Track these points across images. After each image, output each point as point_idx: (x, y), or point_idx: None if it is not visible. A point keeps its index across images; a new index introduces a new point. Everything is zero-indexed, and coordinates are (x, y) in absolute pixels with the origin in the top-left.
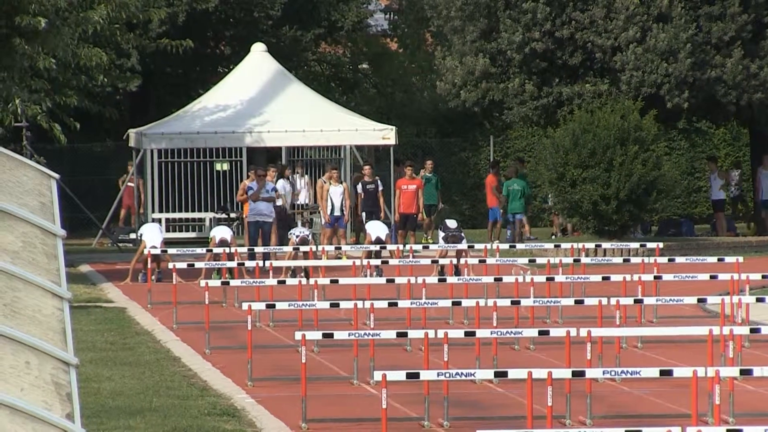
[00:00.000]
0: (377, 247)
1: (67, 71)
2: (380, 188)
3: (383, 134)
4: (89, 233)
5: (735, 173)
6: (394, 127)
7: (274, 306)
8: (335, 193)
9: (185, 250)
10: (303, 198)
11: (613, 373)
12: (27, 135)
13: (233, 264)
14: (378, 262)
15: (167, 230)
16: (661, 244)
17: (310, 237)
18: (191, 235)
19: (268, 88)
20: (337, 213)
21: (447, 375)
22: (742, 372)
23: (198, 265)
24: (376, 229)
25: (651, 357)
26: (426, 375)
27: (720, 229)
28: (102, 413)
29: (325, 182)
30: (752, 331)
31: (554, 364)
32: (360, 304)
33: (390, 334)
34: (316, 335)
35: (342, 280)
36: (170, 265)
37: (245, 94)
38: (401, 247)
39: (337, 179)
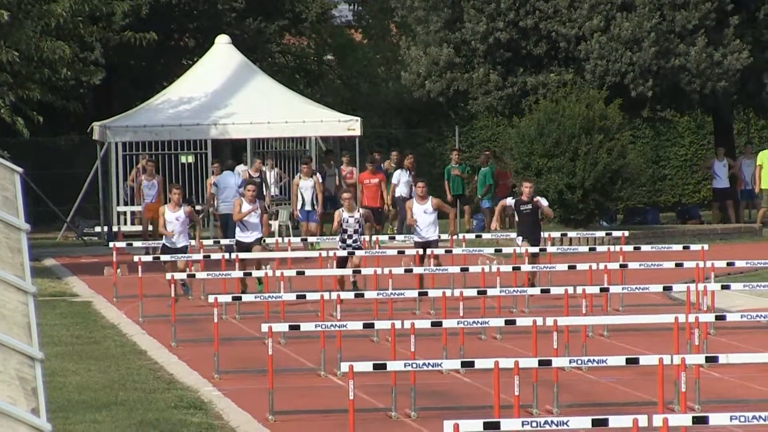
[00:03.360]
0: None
1: (30, 64)
2: (319, 180)
3: (348, 125)
4: (54, 227)
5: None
6: (359, 119)
7: (240, 298)
8: (305, 188)
9: (151, 243)
10: (272, 190)
11: (579, 361)
12: None
13: (199, 256)
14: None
15: (132, 223)
16: (626, 233)
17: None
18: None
19: (232, 80)
20: (307, 207)
21: (414, 365)
22: (708, 359)
23: (163, 258)
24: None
25: (617, 345)
26: (393, 366)
27: (732, 216)
28: (68, 407)
29: (299, 178)
30: (717, 318)
31: (521, 353)
32: (326, 295)
33: (357, 326)
34: (282, 327)
35: (308, 272)
36: (135, 258)
37: (210, 87)
38: (367, 238)
39: (307, 173)
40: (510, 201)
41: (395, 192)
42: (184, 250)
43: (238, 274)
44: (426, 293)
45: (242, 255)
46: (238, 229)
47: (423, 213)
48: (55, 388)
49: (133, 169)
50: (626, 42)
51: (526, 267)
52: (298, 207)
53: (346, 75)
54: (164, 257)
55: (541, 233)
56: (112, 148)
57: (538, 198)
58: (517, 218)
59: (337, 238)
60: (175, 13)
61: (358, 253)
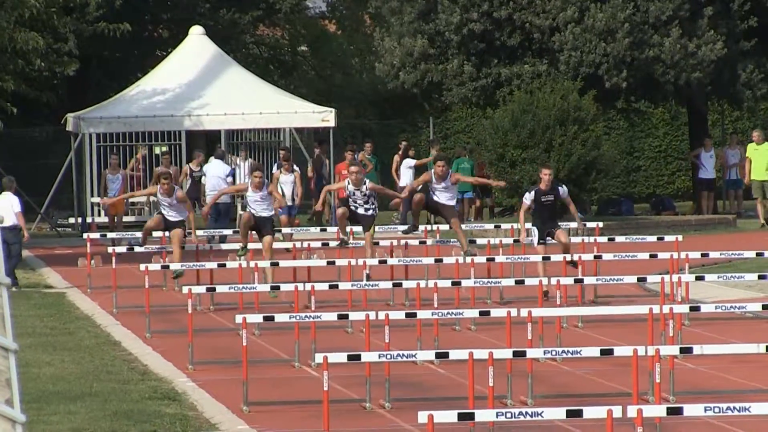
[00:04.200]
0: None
1: (4, 55)
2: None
3: (322, 116)
4: (28, 218)
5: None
6: (333, 110)
7: (214, 289)
8: (286, 182)
9: (125, 234)
10: (246, 181)
11: (554, 352)
12: None
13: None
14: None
15: (105, 214)
16: (600, 224)
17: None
18: (131, 219)
19: (206, 71)
20: (288, 202)
21: (388, 356)
22: (682, 350)
23: (138, 249)
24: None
25: (592, 336)
26: (367, 357)
27: (706, 208)
28: (42, 399)
29: (280, 172)
30: (692, 309)
31: (495, 344)
32: (301, 286)
33: (331, 317)
34: (257, 318)
35: (282, 263)
36: (109, 249)
37: (183, 78)
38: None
39: (288, 168)
40: (529, 197)
41: (400, 181)
42: (181, 223)
43: (212, 265)
44: (400, 284)
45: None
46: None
47: (443, 189)
48: (29, 379)
49: (132, 159)
50: (600, 33)
51: (540, 267)
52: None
53: (320, 66)
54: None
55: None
56: (86, 139)
57: (560, 188)
58: (535, 208)
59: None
60: (149, 4)
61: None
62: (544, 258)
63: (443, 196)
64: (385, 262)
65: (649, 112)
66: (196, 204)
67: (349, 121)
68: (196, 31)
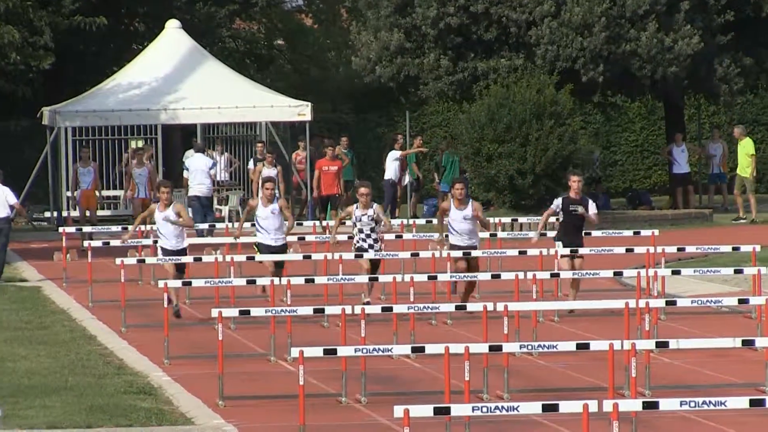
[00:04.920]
0: None
1: None
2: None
3: (299, 110)
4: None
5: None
6: (309, 104)
7: (190, 283)
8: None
9: (101, 228)
10: (222, 176)
11: (530, 347)
12: None
13: (149, 241)
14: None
15: (77, 208)
16: None
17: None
18: (107, 213)
19: (182, 65)
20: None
21: (364, 351)
22: (658, 344)
23: (113, 243)
24: None
25: (568, 330)
26: (343, 351)
27: (679, 203)
28: (18, 393)
29: (263, 166)
30: (668, 303)
31: (471, 338)
32: (277, 280)
33: (307, 311)
34: (232, 312)
35: (258, 257)
36: (85, 243)
37: (160, 71)
38: (317, 223)
39: (271, 163)
40: (557, 203)
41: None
42: (184, 252)
43: (188, 259)
44: (376, 278)
45: (266, 258)
46: (259, 234)
47: (462, 220)
48: (4, 373)
49: (125, 155)
50: (577, 27)
51: (566, 274)
52: (259, 196)
53: (297, 60)
54: (161, 259)
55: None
56: (61, 133)
57: (589, 199)
58: (561, 218)
59: (354, 237)
60: None
61: (377, 254)
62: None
63: (468, 233)
64: (360, 256)
65: (625, 107)
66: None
67: (325, 115)
68: (173, 25)
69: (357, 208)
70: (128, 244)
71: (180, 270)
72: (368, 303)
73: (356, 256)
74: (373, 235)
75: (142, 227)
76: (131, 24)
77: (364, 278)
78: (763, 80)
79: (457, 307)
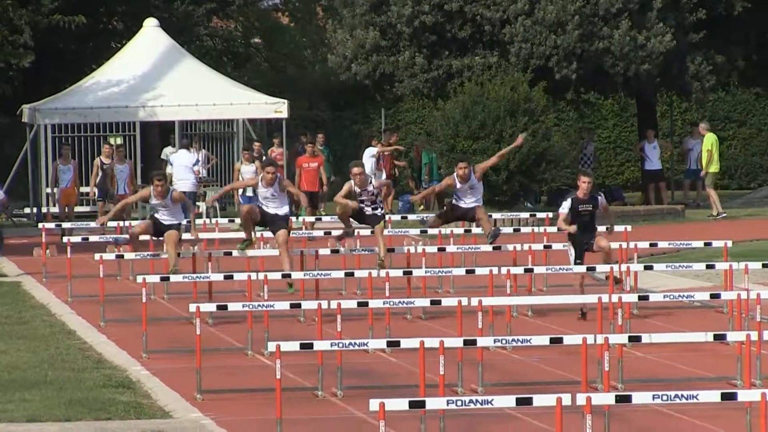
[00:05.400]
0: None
1: None
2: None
3: (275, 108)
4: None
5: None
6: (286, 101)
7: (168, 278)
8: (247, 173)
9: (79, 224)
10: (201, 172)
11: (504, 341)
12: None
13: (125, 237)
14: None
15: (56, 205)
16: (550, 214)
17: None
18: (86, 209)
19: (160, 62)
20: (249, 193)
21: (340, 345)
22: (631, 339)
23: (92, 238)
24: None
25: (541, 325)
26: (320, 345)
27: (651, 199)
28: None
29: (241, 164)
30: (641, 298)
31: (446, 333)
32: (254, 275)
33: (284, 306)
34: (210, 307)
35: (235, 252)
36: (64, 239)
37: (138, 69)
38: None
39: (249, 159)
40: (566, 206)
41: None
42: (177, 226)
43: (166, 255)
44: (352, 274)
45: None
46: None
47: (468, 188)
48: None
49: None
50: (550, 25)
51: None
52: (240, 192)
53: (273, 58)
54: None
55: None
56: (41, 130)
57: (599, 197)
58: (572, 220)
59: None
60: None
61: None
62: (584, 274)
63: (470, 200)
64: (337, 251)
65: (598, 104)
66: (106, 195)
67: (302, 112)
68: (151, 24)
69: (354, 186)
70: (107, 239)
71: (160, 231)
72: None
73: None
74: (373, 206)
75: (121, 223)
76: (110, 22)
77: (339, 273)
78: (735, 78)
79: (432, 302)
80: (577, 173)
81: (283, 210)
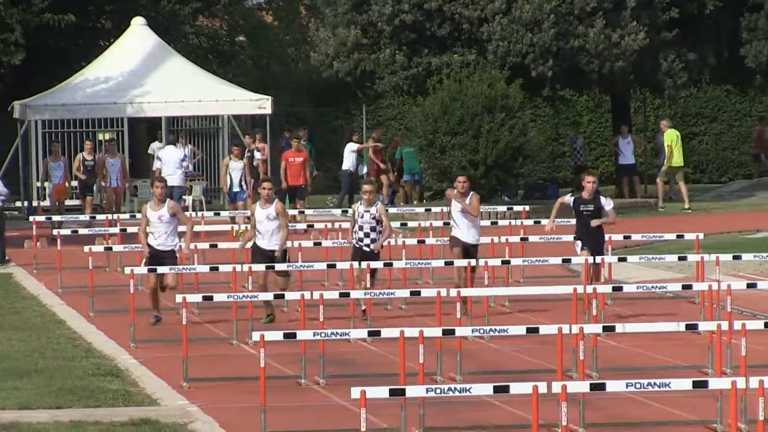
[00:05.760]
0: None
1: None
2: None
3: (259, 104)
4: None
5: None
6: (270, 97)
7: (155, 270)
8: (234, 169)
9: (69, 217)
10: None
11: (482, 331)
12: None
13: (116, 230)
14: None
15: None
16: (527, 207)
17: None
18: (76, 202)
19: (148, 60)
20: (236, 188)
21: (323, 335)
22: (605, 329)
23: (82, 231)
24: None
25: (518, 315)
26: (302, 335)
27: (625, 193)
28: None
29: (230, 159)
30: (615, 289)
31: (425, 323)
32: (238, 267)
33: (268, 296)
34: (196, 298)
35: (221, 245)
36: (54, 231)
37: (126, 67)
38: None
39: (237, 155)
40: (568, 199)
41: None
42: (172, 255)
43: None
44: (334, 265)
45: (259, 268)
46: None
47: (463, 212)
48: None
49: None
50: (527, 24)
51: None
52: (228, 187)
53: (258, 55)
54: (144, 269)
55: (605, 238)
56: (32, 126)
57: (602, 198)
58: (575, 218)
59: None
60: None
61: (373, 265)
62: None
63: (464, 226)
64: (319, 244)
65: (573, 100)
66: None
67: (285, 109)
68: (138, 22)
69: (360, 204)
70: (96, 232)
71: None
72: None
73: (353, 256)
74: (372, 235)
75: (111, 216)
76: (98, 21)
77: (321, 265)
78: (706, 75)
79: (411, 293)
80: (583, 173)
81: (278, 241)
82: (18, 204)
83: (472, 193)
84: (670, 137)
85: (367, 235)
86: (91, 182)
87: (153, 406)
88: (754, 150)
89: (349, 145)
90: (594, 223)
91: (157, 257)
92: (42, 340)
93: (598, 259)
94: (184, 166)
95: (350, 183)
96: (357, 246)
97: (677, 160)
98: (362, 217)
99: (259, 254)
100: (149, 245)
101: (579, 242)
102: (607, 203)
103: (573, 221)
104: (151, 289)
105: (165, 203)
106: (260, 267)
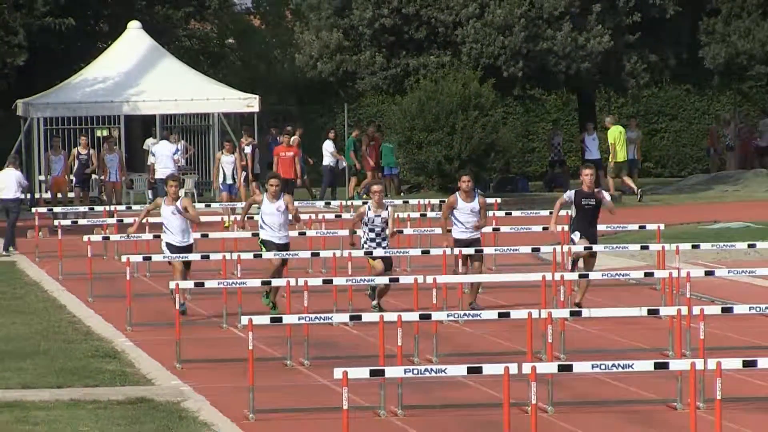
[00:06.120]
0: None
1: None
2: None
3: (248, 102)
4: None
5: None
6: (257, 96)
7: (150, 258)
8: (226, 163)
9: (69, 209)
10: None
11: (456, 315)
12: None
13: (113, 220)
14: None
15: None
16: (499, 200)
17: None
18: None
19: (143, 61)
20: (228, 181)
21: (307, 319)
22: (572, 313)
23: (81, 222)
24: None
25: (491, 301)
26: (288, 319)
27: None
28: None
29: (222, 154)
30: (581, 276)
31: (404, 308)
32: (228, 255)
33: (255, 283)
34: (188, 284)
35: (212, 235)
36: (55, 222)
37: (122, 67)
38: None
39: (229, 150)
40: (568, 195)
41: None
42: (189, 249)
43: (148, 236)
44: (318, 254)
45: (270, 256)
46: (263, 230)
47: (470, 212)
48: None
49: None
50: (499, 27)
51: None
52: (220, 180)
53: (246, 57)
54: (168, 256)
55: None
56: (34, 122)
57: (602, 191)
58: (574, 212)
59: (362, 237)
60: (91, 1)
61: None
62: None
63: (469, 225)
64: (304, 234)
65: (542, 99)
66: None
67: (272, 107)
68: (134, 26)
69: (369, 208)
70: (94, 222)
71: (187, 267)
72: (378, 306)
73: (366, 253)
74: (383, 235)
75: (108, 208)
76: (96, 24)
77: (306, 254)
78: (667, 75)
79: (390, 280)
80: (581, 167)
81: (287, 237)
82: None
83: (478, 194)
84: (614, 134)
85: (378, 235)
86: (85, 176)
87: (148, 386)
88: (707, 145)
89: (326, 144)
90: (614, 210)
91: (176, 250)
92: (44, 324)
93: (594, 249)
94: (175, 159)
95: (331, 177)
96: (369, 251)
97: (621, 155)
98: (373, 221)
99: (273, 246)
100: (168, 243)
101: (577, 233)
102: (606, 196)
103: (541, 212)
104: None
105: (178, 201)
106: (275, 255)
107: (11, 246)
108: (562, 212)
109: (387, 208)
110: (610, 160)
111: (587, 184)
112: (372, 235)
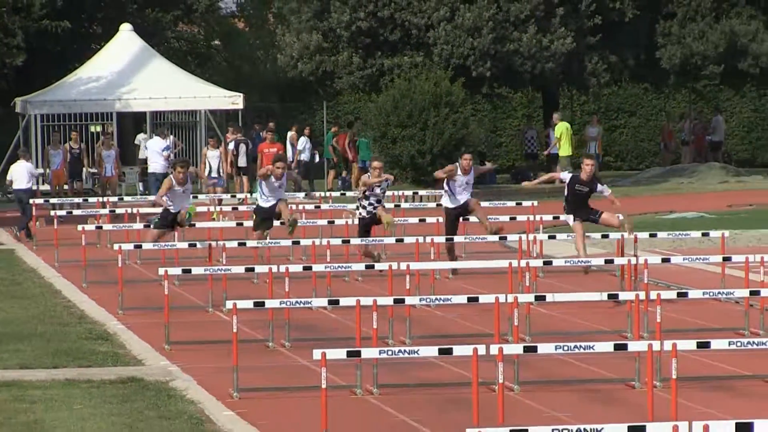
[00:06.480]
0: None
1: None
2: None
3: (232, 100)
4: None
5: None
6: (241, 94)
7: (140, 246)
8: (212, 157)
9: (64, 200)
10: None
11: (428, 300)
12: None
13: (105, 211)
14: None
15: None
16: None
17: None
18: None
19: (134, 61)
20: (214, 174)
21: (288, 303)
22: (537, 298)
23: (76, 212)
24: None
25: (460, 286)
26: (270, 303)
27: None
28: None
29: (207, 149)
30: (545, 263)
31: (379, 293)
32: (214, 243)
33: (239, 270)
34: (176, 271)
35: (198, 224)
36: (52, 212)
37: (115, 67)
38: (248, 195)
39: (214, 145)
40: (565, 175)
41: (299, 156)
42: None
43: (139, 226)
44: (298, 242)
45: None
46: (262, 198)
47: (465, 184)
48: None
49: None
50: (468, 30)
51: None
52: (206, 173)
53: (231, 57)
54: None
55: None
56: (32, 119)
57: (599, 183)
58: (567, 194)
59: (358, 203)
60: (85, 4)
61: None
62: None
63: (464, 195)
64: (284, 223)
65: (509, 97)
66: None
67: (255, 104)
68: (126, 28)
69: (369, 179)
70: (88, 212)
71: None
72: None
73: (365, 227)
74: (383, 202)
75: (101, 198)
76: (90, 27)
77: (287, 242)
78: (626, 74)
79: (366, 267)
80: (582, 155)
81: (284, 192)
82: None
83: (473, 168)
84: (560, 129)
85: (379, 201)
86: (77, 169)
87: (138, 366)
88: (660, 140)
89: (302, 139)
90: (616, 202)
91: (172, 220)
92: (40, 308)
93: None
94: (165, 155)
95: (305, 171)
96: (369, 216)
97: (565, 150)
98: (373, 190)
99: (265, 213)
100: (165, 209)
101: (571, 216)
102: (605, 189)
103: (508, 203)
104: (157, 238)
105: (188, 179)
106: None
107: (24, 230)
108: (545, 184)
109: (387, 181)
110: (546, 152)
111: (586, 173)
112: (373, 200)
